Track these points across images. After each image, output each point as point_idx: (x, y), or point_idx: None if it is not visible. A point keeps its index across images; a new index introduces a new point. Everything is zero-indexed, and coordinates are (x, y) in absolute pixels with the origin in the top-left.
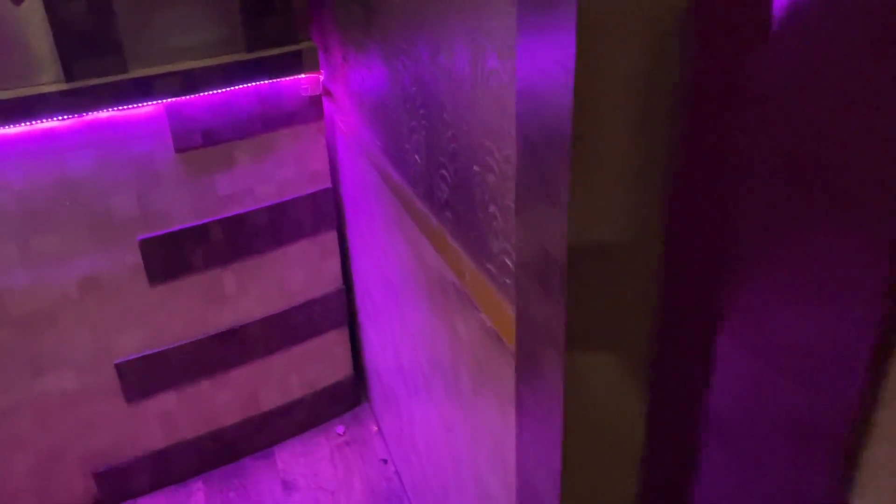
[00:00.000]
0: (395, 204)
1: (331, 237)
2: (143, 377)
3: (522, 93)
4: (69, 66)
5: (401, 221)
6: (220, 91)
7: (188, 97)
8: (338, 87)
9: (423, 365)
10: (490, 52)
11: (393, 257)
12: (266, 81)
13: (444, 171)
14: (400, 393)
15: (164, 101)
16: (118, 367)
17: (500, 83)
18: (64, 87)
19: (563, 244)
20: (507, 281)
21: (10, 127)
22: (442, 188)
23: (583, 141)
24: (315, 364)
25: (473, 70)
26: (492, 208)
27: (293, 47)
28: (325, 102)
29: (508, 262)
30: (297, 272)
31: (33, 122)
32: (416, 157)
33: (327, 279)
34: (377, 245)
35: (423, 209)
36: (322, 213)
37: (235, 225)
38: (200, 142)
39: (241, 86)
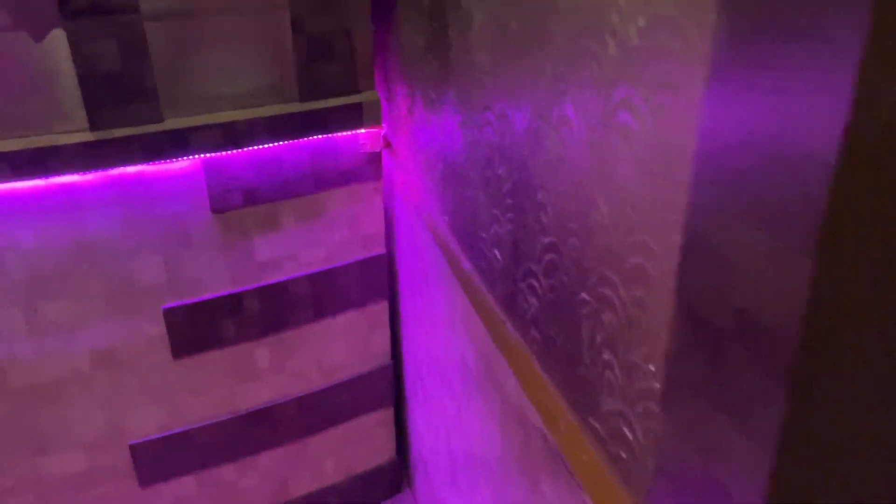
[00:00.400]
0: (462, 295)
1: (381, 308)
2: (161, 459)
3: (696, 233)
4: (95, 114)
5: (467, 318)
6: (266, 146)
7: (230, 152)
8: (401, 140)
9: (485, 494)
10: (626, 157)
11: (454, 355)
12: (320, 136)
13: (534, 282)
14: (451, 501)
15: (202, 155)
16: (133, 447)
17: (640, 200)
18: (88, 137)
19: (761, 497)
20: (623, 454)
21: (23, 181)
22: (529, 301)
23: (821, 345)
24: (354, 447)
25: (598, 174)
26: (606, 355)
27: (353, 98)
28: (385, 156)
29: (627, 432)
30: (341, 346)
31: (51, 178)
32: (496, 251)
33: (374, 354)
34: (436, 333)
35: (500, 314)
36: (373, 281)
37: (274, 294)
38: (241, 201)
39: (291, 140)
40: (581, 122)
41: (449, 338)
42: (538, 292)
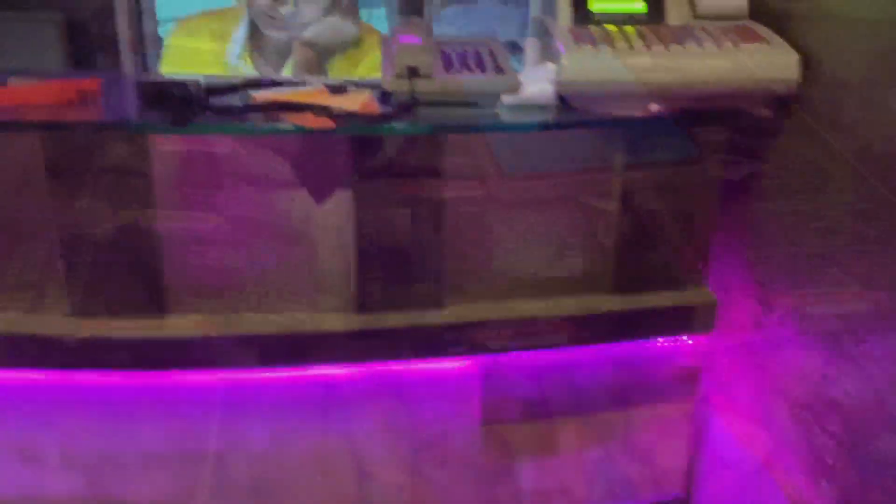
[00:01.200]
0: None
1: None
2: None
3: None
4: (367, 294)
5: None
6: (562, 348)
7: (517, 353)
8: (730, 354)
9: None
10: None
11: None
12: (632, 340)
13: None
14: None
15: (482, 355)
16: None
17: None
18: (355, 324)
19: None
20: None
21: (269, 371)
22: None
23: None
24: None
25: None
26: None
27: (683, 297)
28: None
29: None
30: None
31: (303, 369)
32: None
33: None
34: None
35: None
36: None
37: None
38: (517, 415)
39: (595, 344)
40: None
41: None
42: None
